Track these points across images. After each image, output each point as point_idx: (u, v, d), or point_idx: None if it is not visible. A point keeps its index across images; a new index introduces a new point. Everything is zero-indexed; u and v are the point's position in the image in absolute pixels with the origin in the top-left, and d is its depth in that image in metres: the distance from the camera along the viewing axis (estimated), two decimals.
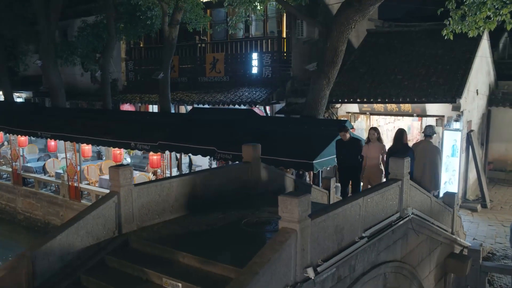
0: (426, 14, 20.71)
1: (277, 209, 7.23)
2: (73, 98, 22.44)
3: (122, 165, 6.26)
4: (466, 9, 10.26)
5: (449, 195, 8.86)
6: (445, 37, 11.04)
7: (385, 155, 9.22)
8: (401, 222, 6.56)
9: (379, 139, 9.58)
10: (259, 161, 8.14)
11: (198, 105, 17.42)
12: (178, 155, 14.12)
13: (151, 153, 13.57)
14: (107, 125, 14.83)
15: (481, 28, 10.62)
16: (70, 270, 5.55)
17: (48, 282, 5.34)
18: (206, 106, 17.22)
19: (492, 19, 10.59)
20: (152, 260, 5.56)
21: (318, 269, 4.83)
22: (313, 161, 9.97)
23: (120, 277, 5.45)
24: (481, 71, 16.12)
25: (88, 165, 16.65)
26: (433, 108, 14.27)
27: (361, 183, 10.04)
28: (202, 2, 14.50)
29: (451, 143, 14.12)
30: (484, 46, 16.06)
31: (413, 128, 17.45)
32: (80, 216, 5.73)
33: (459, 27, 10.72)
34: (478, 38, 14.78)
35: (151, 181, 7.18)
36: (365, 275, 5.75)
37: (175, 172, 14.47)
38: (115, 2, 16.79)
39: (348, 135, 9.68)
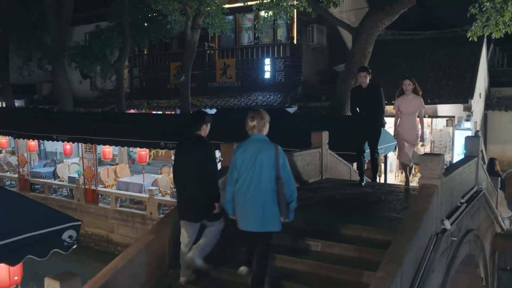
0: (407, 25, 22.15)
1: (355, 188, 7.76)
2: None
3: None
4: (492, 11, 11.22)
5: (494, 179, 9.62)
6: (469, 39, 12.00)
7: (423, 111, 7.73)
8: (480, 194, 7.18)
9: (415, 90, 7.67)
10: (327, 147, 8.63)
11: (211, 109, 17.76)
12: None
13: None
14: (129, 126, 14.89)
15: (503, 31, 11.65)
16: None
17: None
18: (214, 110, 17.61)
19: (507, 23, 11.69)
20: None
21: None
22: None
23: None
24: (481, 76, 17.30)
25: (102, 169, 16.62)
26: (443, 109, 15.23)
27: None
28: (225, 7, 14.98)
29: (462, 142, 15.02)
30: (483, 53, 17.27)
31: None
32: None
33: (483, 30, 11.71)
34: (480, 44, 16.00)
35: None
36: (463, 238, 6.30)
37: None
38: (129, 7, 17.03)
39: (368, 80, 7.90)
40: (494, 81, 19.62)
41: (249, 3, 14.43)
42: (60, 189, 17.48)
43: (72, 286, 4.26)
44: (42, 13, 18.33)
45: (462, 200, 6.27)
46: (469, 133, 14.99)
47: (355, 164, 10.54)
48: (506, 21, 11.54)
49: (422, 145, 8.12)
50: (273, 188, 4.52)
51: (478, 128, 16.31)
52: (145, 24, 17.32)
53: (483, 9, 11.67)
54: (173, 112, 19.05)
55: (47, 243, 4.30)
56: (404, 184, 8.29)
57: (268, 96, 17.31)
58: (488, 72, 19.10)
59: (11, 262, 4.11)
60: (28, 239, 4.14)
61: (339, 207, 6.63)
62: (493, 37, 11.73)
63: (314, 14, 12.87)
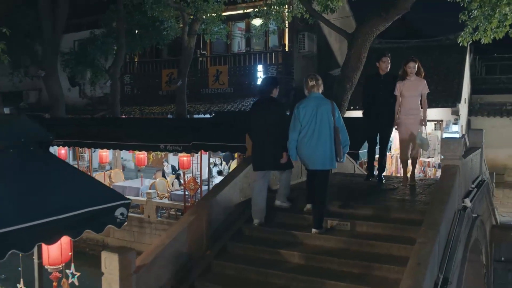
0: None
1: (366, 180, 8.10)
2: None
3: None
4: (482, 17, 11.90)
5: (490, 174, 10.16)
6: (460, 44, 12.66)
7: (426, 95, 7.13)
8: (484, 183, 7.66)
9: (417, 73, 7.11)
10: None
11: (205, 115, 18.04)
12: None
13: (180, 154, 13.95)
14: (127, 130, 14.97)
15: (491, 36, 12.34)
16: (230, 222, 6.08)
17: (217, 230, 5.85)
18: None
19: (493, 30, 12.42)
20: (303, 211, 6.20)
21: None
22: (359, 151, 11.03)
23: (280, 226, 6.05)
24: (465, 83, 18.09)
25: (98, 173, 16.63)
26: (432, 113, 15.78)
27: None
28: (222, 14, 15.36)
29: None
30: (466, 61, 18.10)
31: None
32: (233, 175, 6.33)
33: (473, 36, 12.39)
34: (464, 52, 16.81)
35: None
36: (474, 221, 6.73)
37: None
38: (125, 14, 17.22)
39: (389, 67, 7.39)
40: (475, 88, 20.56)
41: (247, 10, 14.84)
42: None
43: (128, 259, 4.49)
44: (35, 19, 18.31)
45: (473, 185, 6.72)
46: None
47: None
48: (493, 28, 12.26)
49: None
50: (331, 135, 5.48)
51: (463, 133, 17.01)
52: (140, 31, 17.51)
53: (471, 16, 12.38)
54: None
55: (103, 218, 4.49)
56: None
57: None
58: (470, 80, 19.98)
59: (73, 235, 4.29)
60: (87, 214, 4.33)
61: (358, 193, 7.00)
62: (482, 42, 12.36)
63: (312, 20, 13.35)
